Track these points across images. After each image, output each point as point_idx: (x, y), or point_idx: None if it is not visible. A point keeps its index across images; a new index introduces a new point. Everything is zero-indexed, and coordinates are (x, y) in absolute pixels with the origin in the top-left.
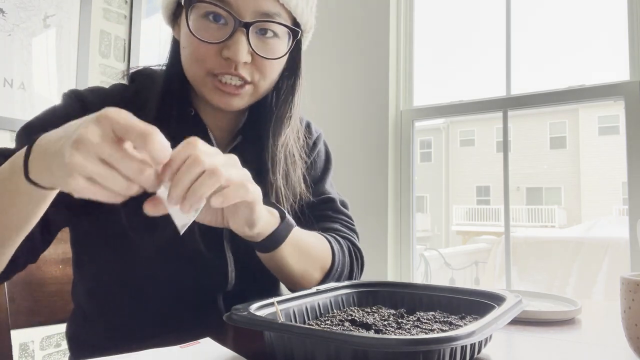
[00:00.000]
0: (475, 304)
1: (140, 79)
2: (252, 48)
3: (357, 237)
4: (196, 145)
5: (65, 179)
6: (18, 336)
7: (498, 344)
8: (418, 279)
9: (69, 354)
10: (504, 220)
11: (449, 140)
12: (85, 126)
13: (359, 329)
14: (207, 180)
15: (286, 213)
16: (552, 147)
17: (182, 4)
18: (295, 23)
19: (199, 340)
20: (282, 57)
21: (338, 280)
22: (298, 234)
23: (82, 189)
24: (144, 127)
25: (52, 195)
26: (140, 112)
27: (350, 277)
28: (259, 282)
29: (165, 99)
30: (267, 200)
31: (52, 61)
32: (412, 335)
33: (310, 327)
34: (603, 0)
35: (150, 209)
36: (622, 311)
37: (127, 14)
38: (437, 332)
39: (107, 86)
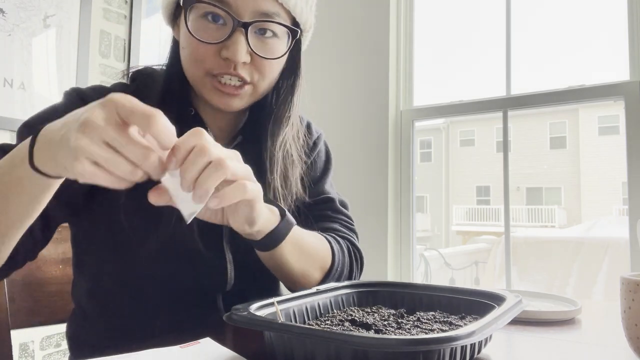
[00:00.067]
0: (475, 304)
1: (141, 78)
2: (251, 48)
3: (357, 237)
4: (202, 135)
5: (71, 163)
6: (18, 336)
7: (498, 344)
8: (418, 279)
9: (69, 354)
10: (504, 220)
11: (449, 140)
12: (91, 110)
13: (359, 329)
14: (214, 172)
15: (286, 211)
16: (552, 147)
17: (181, 4)
18: (295, 23)
19: (199, 340)
20: (281, 57)
21: (338, 280)
22: (298, 232)
23: (87, 173)
24: (148, 109)
25: (55, 185)
26: None
27: (349, 277)
28: (259, 282)
29: (165, 99)
30: (267, 198)
31: (52, 61)
32: (412, 335)
33: (310, 327)
34: (603, 0)
35: (154, 198)
36: (622, 311)
37: (127, 14)
38: (437, 332)
39: (107, 86)
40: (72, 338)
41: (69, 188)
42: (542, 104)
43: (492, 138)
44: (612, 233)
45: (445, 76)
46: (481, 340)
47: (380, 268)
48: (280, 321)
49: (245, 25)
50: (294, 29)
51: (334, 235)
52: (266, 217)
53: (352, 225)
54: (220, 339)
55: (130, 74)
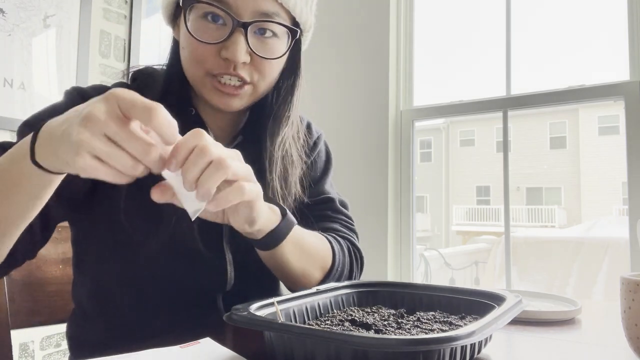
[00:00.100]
0: (475, 304)
1: (142, 78)
2: (250, 48)
3: (357, 237)
4: (202, 136)
5: (72, 158)
6: (18, 336)
7: (498, 344)
8: (418, 279)
9: (69, 354)
10: (504, 220)
11: (449, 140)
12: (93, 105)
13: (359, 329)
14: (215, 172)
15: (287, 210)
16: (552, 147)
17: (181, 4)
18: (295, 23)
19: (199, 340)
20: (281, 57)
21: (338, 280)
22: (299, 232)
23: (88, 167)
24: (149, 102)
25: (56, 181)
26: None
27: (350, 277)
28: (259, 282)
29: (165, 99)
30: (268, 197)
31: (52, 61)
32: (412, 335)
33: (310, 327)
34: (603, 0)
35: (157, 195)
36: (622, 311)
37: (127, 14)
38: (437, 332)
39: (108, 85)
40: (72, 338)
41: (70, 184)
42: (542, 104)
43: (492, 138)
44: (612, 233)
45: (445, 76)
46: (481, 340)
47: (380, 268)
48: (280, 321)
49: (245, 25)
50: (294, 29)
51: (334, 235)
52: (267, 217)
53: (352, 225)
54: (220, 339)
55: (130, 74)
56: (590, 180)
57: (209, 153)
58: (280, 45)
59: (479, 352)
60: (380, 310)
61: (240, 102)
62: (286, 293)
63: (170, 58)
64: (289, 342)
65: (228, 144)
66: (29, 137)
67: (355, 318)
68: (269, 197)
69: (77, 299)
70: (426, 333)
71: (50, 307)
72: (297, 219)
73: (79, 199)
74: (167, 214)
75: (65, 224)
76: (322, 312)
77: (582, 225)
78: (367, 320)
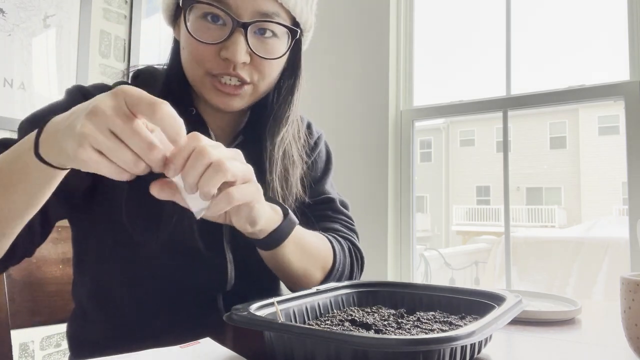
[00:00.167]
0: (475, 304)
1: (143, 77)
2: (250, 48)
3: (357, 237)
4: (200, 139)
5: (75, 149)
6: (18, 336)
7: (498, 344)
8: (418, 279)
9: (69, 354)
10: (504, 220)
11: (449, 140)
12: (100, 99)
13: (359, 329)
14: (214, 175)
15: (289, 210)
16: (552, 147)
17: (181, 5)
18: (295, 23)
19: (199, 340)
20: (281, 57)
21: (339, 280)
22: (300, 232)
23: (90, 161)
24: (155, 98)
25: (59, 177)
26: None
27: (350, 278)
28: (259, 282)
29: (166, 98)
30: (270, 197)
31: (52, 61)
32: (412, 335)
33: (310, 327)
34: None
35: (156, 191)
36: (622, 311)
37: (127, 14)
38: (437, 332)
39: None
40: (73, 337)
41: (71, 179)
42: (542, 104)
43: (492, 138)
44: (612, 233)
45: (445, 76)
46: (481, 340)
47: (380, 268)
48: (280, 321)
49: (245, 26)
50: (294, 29)
51: (334, 235)
52: (269, 217)
53: (353, 225)
54: (220, 339)
55: (131, 73)
56: (590, 180)
57: (207, 155)
58: (280, 45)
59: (479, 352)
60: (380, 310)
61: (240, 102)
62: (286, 293)
63: (170, 58)
64: (289, 342)
65: (229, 144)
66: (34, 132)
67: (355, 318)
68: (270, 197)
69: (77, 299)
70: (426, 333)
71: (50, 307)
72: (298, 219)
73: (78, 197)
74: (167, 214)
75: (66, 223)
76: (322, 312)
77: (582, 225)
78: (367, 320)
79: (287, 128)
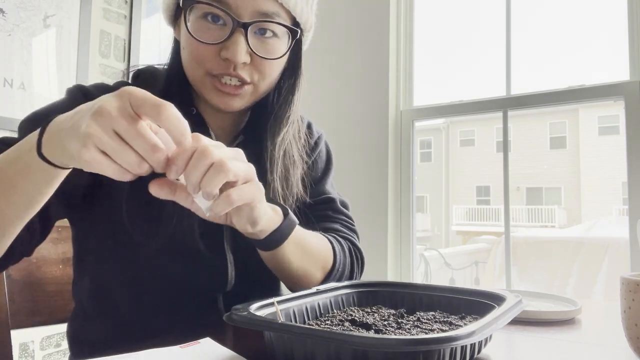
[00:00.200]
0: (475, 304)
1: (144, 77)
2: (250, 48)
3: (357, 237)
4: (200, 139)
5: (79, 149)
6: (18, 336)
7: (498, 344)
8: (418, 279)
9: (69, 354)
10: (504, 220)
11: (449, 140)
12: (105, 100)
13: (359, 329)
14: (216, 175)
15: (289, 210)
16: (552, 147)
17: (181, 5)
18: (295, 23)
19: (199, 340)
20: (281, 57)
21: (339, 280)
22: (300, 232)
23: (94, 161)
24: (159, 99)
25: (61, 176)
26: None
27: (350, 278)
28: (259, 282)
29: (166, 98)
30: (269, 198)
31: (52, 61)
32: (412, 335)
33: (310, 327)
34: (603, 0)
35: (154, 189)
36: (622, 311)
37: (127, 14)
38: (437, 332)
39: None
40: (73, 337)
41: (72, 179)
42: (542, 104)
43: (492, 138)
44: (612, 233)
45: (445, 76)
46: (481, 340)
47: (380, 268)
48: (280, 321)
49: (245, 26)
50: (294, 29)
51: (335, 235)
52: (269, 217)
53: (353, 225)
54: (220, 339)
55: (132, 73)
56: (590, 180)
57: (210, 155)
58: (280, 45)
59: (479, 352)
60: (380, 310)
61: (240, 102)
62: (286, 293)
63: (171, 58)
64: (289, 342)
65: (229, 144)
66: (36, 131)
67: (355, 318)
68: (269, 198)
69: (78, 299)
70: (426, 333)
71: (50, 307)
72: (298, 219)
73: (78, 197)
74: (167, 214)
75: (66, 223)
76: (322, 312)
77: (582, 225)
78: (367, 320)
79: (288, 128)
